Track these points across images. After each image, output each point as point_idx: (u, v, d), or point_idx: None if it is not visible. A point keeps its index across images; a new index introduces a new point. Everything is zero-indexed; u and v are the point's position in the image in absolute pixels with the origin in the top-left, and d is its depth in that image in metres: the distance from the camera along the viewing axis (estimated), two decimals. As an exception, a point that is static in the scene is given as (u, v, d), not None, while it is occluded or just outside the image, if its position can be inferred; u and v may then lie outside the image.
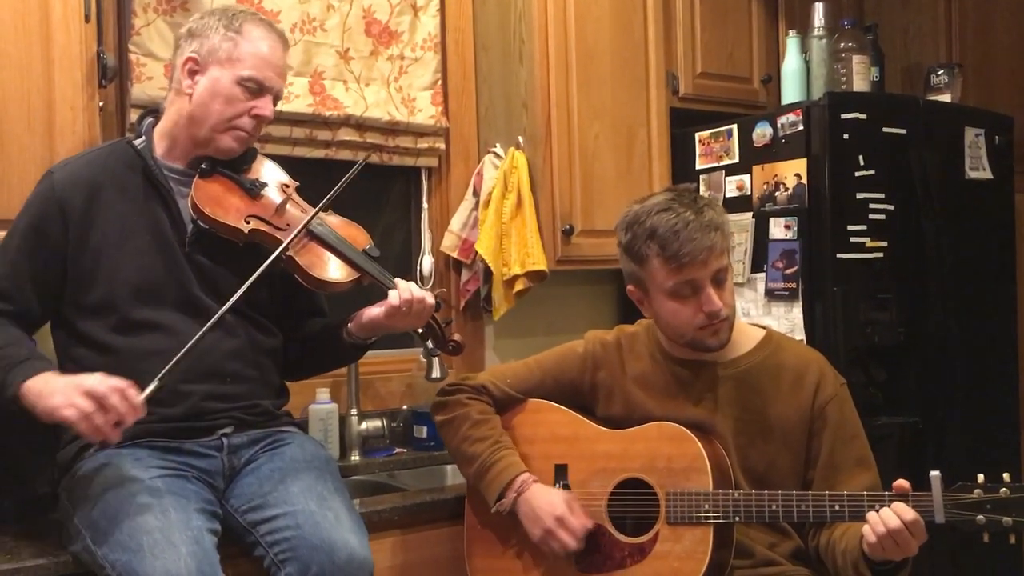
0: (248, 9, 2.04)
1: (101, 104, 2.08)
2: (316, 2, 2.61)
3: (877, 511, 1.63)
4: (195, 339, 1.69)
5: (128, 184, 1.86)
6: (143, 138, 1.91)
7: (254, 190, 1.92)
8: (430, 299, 1.90)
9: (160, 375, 1.64)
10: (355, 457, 2.62)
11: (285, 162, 2.07)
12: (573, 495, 1.90)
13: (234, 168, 1.93)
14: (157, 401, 1.67)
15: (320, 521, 1.72)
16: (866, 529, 1.64)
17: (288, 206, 1.93)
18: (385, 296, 1.89)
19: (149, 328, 1.80)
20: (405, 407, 2.80)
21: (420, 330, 1.99)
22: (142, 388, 1.61)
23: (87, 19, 2.02)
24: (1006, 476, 1.59)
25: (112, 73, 2.10)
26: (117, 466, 1.73)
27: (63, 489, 1.79)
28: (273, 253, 1.80)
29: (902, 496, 1.64)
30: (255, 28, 1.90)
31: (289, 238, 1.83)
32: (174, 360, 1.66)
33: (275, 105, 1.94)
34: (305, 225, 1.86)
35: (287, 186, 1.98)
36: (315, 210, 1.88)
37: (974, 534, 1.59)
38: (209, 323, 1.71)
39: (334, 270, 1.89)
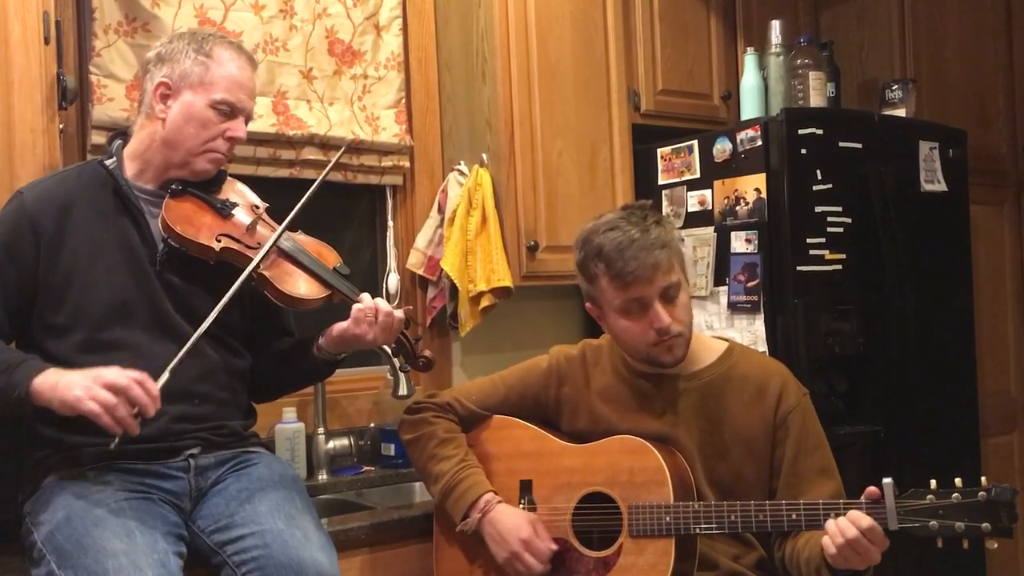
0: (216, 32, 2.05)
1: (62, 126, 2.07)
2: (279, 22, 2.62)
3: (834, 519, 1.64)
4: (195, 336, 1.72)
5: (99, 203, 1.86)
6: (114, 159, 1.90)
7: (224, 210, 1.93)
8: (399, 313, 1.91)
9: (170, 367, 1.67)
10: (323, 476, 2.61)
11: (249, 182, 2.08)
12: (537, 517, 1.91)
13: (204, 189, 1.94)
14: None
15: (288, 540, 1.72)
16: (825, 540, 1.66)
17: (258, 226, 1.94)
18: None
19: (117, 348, 1.79)
20: (372, 425, 2.80)
21: (391, 347, 2.00)
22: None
23: (46, 41, 2.02)
24: (958, 481, 1.61)
25: (72, 95, 2.09)
26: (82, 489, 1.72)
27: (27, 512, 1.77)
28: (245, 271, 1.81)
29: (856, 503, 1.66)
30: (225, 51, 1.92)
31: (262, 252, 1.84)
32: (182, 352, 1.70)
33: (247, 125, 1.95)
34: (277, 238, 1.87)
35: (256, 207, 1.99)
36: (284, 224, 1.89)
37: (928, 540, 1.61)
38: (206, 322, 1.74)
39: (305, 287, 1.91)
